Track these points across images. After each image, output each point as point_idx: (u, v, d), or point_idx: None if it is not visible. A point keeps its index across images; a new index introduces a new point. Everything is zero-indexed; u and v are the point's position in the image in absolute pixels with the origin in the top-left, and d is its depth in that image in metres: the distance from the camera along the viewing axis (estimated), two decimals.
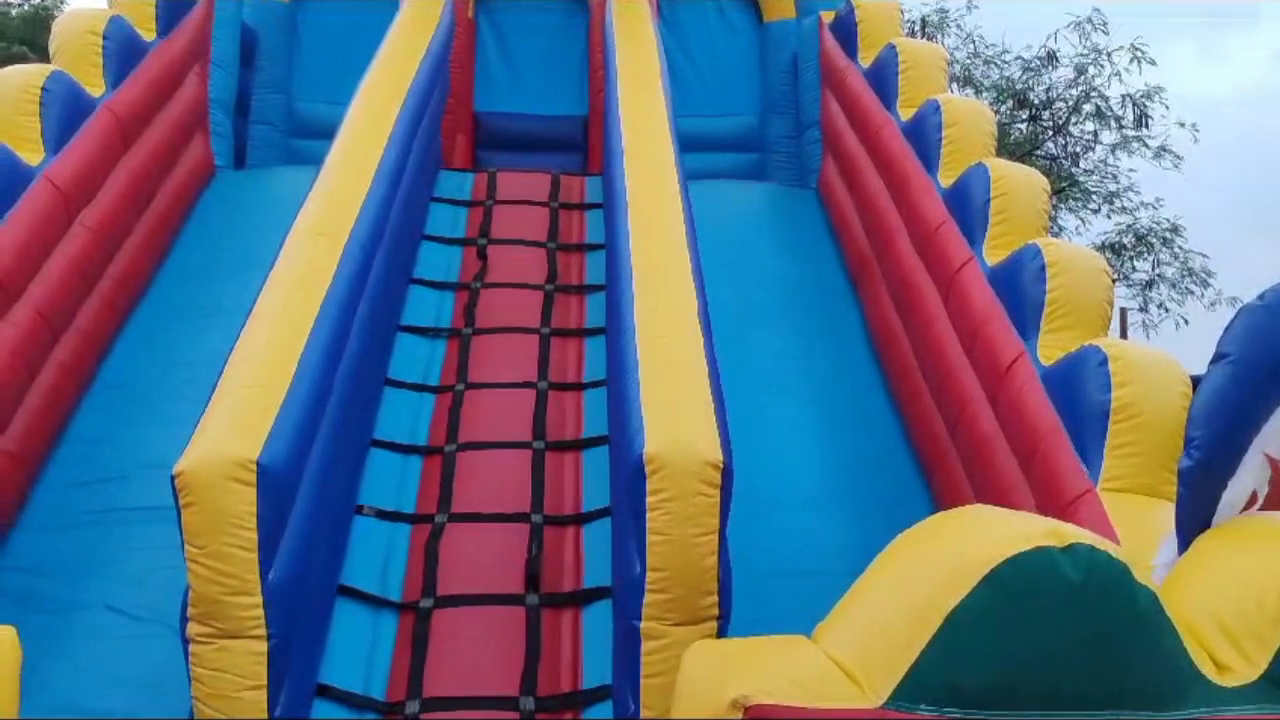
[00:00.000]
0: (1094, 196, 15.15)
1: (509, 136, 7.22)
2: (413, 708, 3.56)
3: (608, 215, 5.24)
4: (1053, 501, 3.53)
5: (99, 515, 4.27)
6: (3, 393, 4.20)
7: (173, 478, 3.16)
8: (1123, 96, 14.80)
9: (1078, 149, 15.17)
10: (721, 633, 3.32)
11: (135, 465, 4.39)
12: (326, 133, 5.34)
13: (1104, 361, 3.69)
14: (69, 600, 3.94)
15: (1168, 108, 14.85)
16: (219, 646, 3.14)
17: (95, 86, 5.38)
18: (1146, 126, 14.84)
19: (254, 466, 3.17)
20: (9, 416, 4.27)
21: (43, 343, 4.53)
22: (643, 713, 3.28)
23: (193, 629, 3.16)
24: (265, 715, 3.17)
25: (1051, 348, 4.10)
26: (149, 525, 4.06)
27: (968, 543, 2.18)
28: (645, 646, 3.29)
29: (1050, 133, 15.25)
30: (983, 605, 2.07)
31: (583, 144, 7.22)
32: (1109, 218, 15.19)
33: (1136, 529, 3.13)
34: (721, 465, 3.30)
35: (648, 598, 3.28)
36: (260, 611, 3.16)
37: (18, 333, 4.36)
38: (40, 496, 4.37)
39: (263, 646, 3.16)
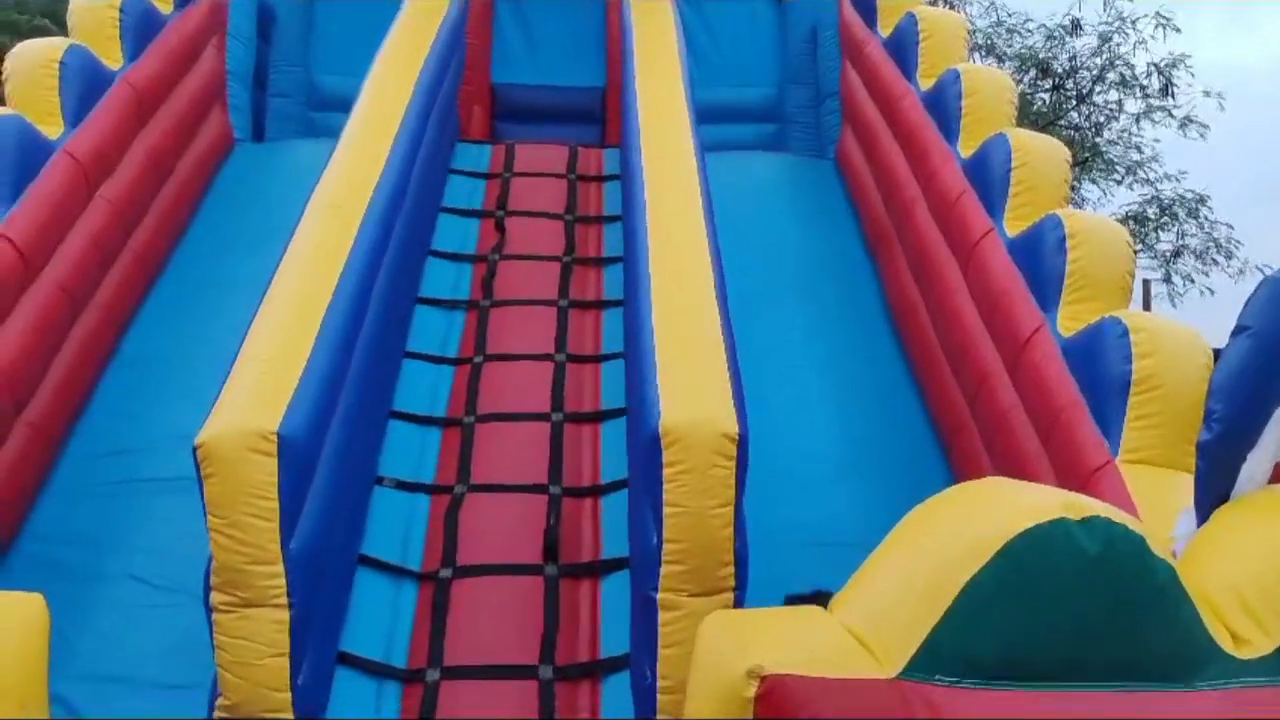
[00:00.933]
0: (1117, 167, 14.97)
1: (526, 108, 7.18)
2: (433, 676, 3.60)
3: (625, 187, 5.22)
4: (1072, 474, 3.52)
5: (121, 486, 4.32)
6: (25, 366, 4.25)
7: (194, 449, 3.19)
8: (1148, 65, 14.59)
9: (1101, 119, 14.98)
10: (738, 604, 3.34)
11: (156, 437, 4.44)
12: (344, 105, 5.33)
13: (1125, 333, 3.66)
14: (93, 570, 4.00)
15: (1194, 76, 14.64)
16: (241, 615, 3.18)
17: (113, 60, 5.39)
18: (1171, 96, 14.63)
19: (274, 437, 3.20)
20: (32, 390, 4.32)
21: (64, 317, 4.57)
22: (660, 683, 3.30)
23: (215, 598, 3.20)
24: (287, 683, 3.21)
25: (1072, 319, 4.07)
26: (170, 496, 4.11)
27: (984, 515, 2.18)
28: (662, 617, 3.31)
29: (1073, 102, 15.06)
30: (999, 577, 2.07)
31: (601, 116, 7.18)
32: (1131, 189, 15.02)
33: (1157, 501, 3.12)
34: (738, 437, 3.30)
35: (664, 569, 3.30)
36: (282, 581, 3.20)
37: (39, 307, 4.40)
38: (64, 468, 4.42)
39: (284, 615, 3.20)
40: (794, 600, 3.22)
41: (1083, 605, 2.07)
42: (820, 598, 3.07)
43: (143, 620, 3.84)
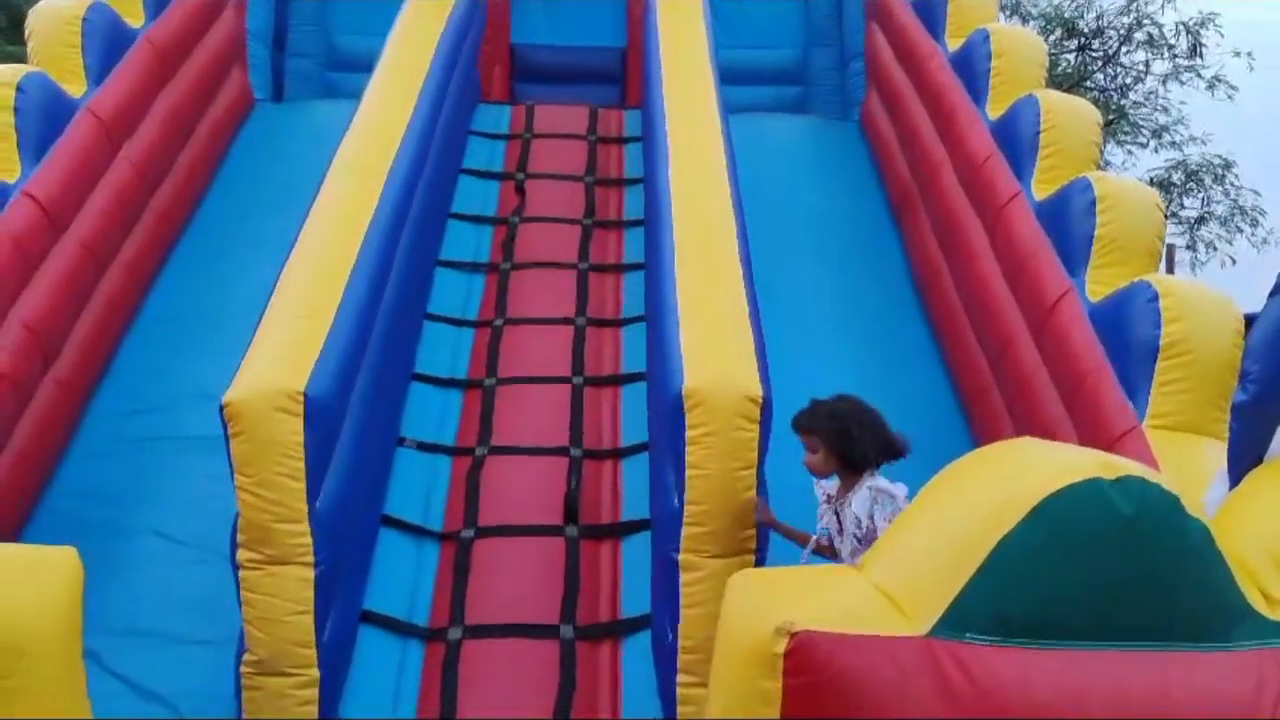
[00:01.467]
0: (1143, 130, 14.75)
1: (546, 69, 7.14)
2: (455, 634, 3.64)
3: (646, 149, 5.19)
4: (1097, 438, 3.50)
5: (148, 444, 4.36)
6: (53, 324, 4.28)
7: (221, 408, 3.22)
8: (1176, 24, 14.31)
9: (1127, 80, 14.73)
10: (759, 565, 3.35)
11: (182, 395, 4.47)
12: (364, 66, 5.32)
13: (1154, 298, 3.63)
14: (120, 526, 4.05)
15: (1223, 36, 14.35)
16: (268, 572, 3.22)
17: (134, 17, 5.38)
18: (1200, 56, 14.37)
19: (301, 397, 3.22)
20: (59, 347, 4.35)
21: (89, 275, 4.60)
22: (681, 643, 3.32)
23: (242, 555, 3.24)
24: (313, 639, 3.25)
25: (1100, 284, 4.04)
26: (196, 454, 4.14)
27: (1017, 474, 2.17)
28: (684, 578, 3.33)
29: (1100, 63, 14.82)
30: (1031, 536, 2.07)
31: (621, 76, 7.13)
32: (1156, 152, 14.79)
33: (1182, 466, 3.10)
34: (761, 400, 3.30)
35: (686, 530, 3.32)
36: (308, 539, 3.23)
37: (66, 265, 4.42)
38: (91, 425, 4.46)
39: (310, 573, 3.24)
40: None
41: (1116, 565, 2.07)
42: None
43: (169, 576, 3.88)
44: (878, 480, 3.24)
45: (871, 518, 3.19)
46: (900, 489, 3.22)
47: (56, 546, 2.64)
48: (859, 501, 3.24)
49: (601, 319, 4.93)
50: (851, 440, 3.24)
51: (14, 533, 3.98)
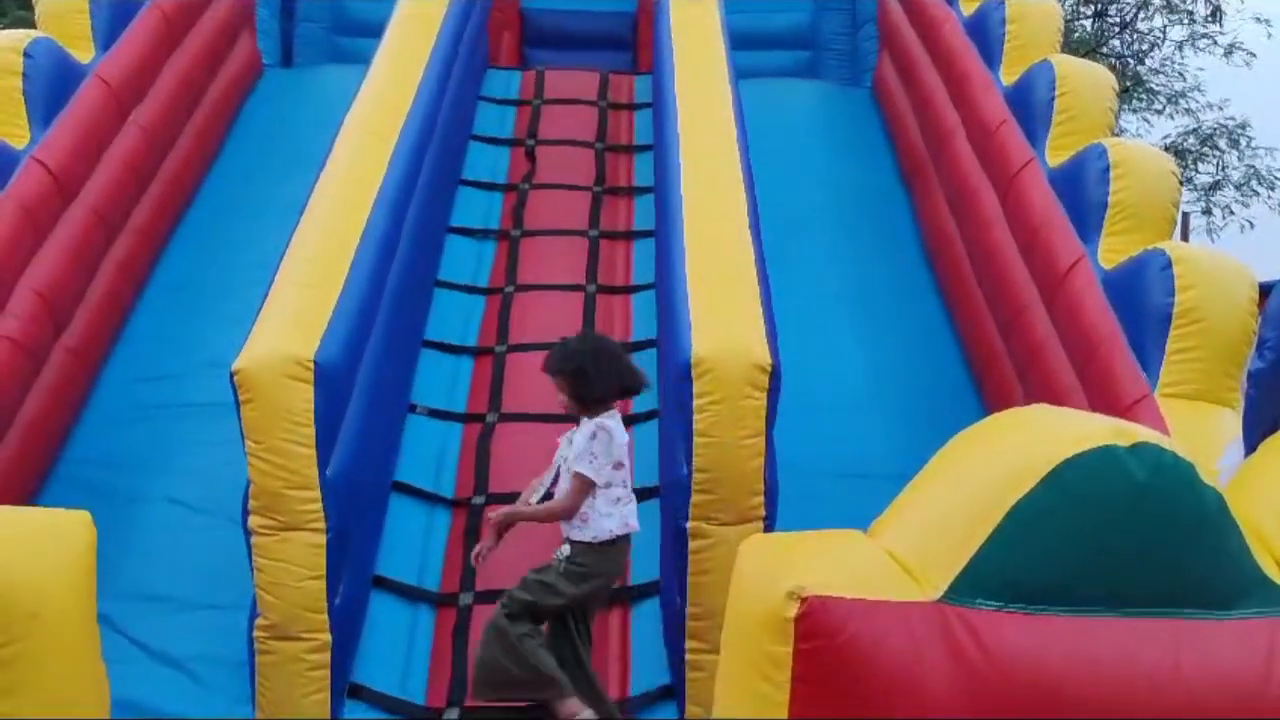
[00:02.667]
0: (1159, 97, 14.59)
1: (556, 33, 7.08)
2: (466, 599, 3.66)
3: (657, 115, 5.15)
4: (1108, 406, 3.49)
5: (160, 411, 4.38)
6: (64, 291, 4.28)
7: (231, 375, 3.22)
8: None
9: (1144, 47, 14.56)
10: (768, 532, 3.36)
11: (193, 363, 4.48)
12: (373, 30, 5.28)
13: (1168, 265, 3.60)
14: (134, 492, 4.08)
15: (1243, 1, 14.16)
16: (280, 538, 3.24)
17: None
18: (1219, 22, 14.18)
19: (311, 364, 3.23)
20: (70, 314, 4.36)
21: (100, 241, 4.60)
22: (690, 609, 3.34)
23: (254, 521, 3.26)
24: (324, 604, 3.28)
25: (1113, 251, 4.01)
26: (207, 421, 4.16)
27: (1030, 440, 2.17)
28: (692, 545, 3.34)
29: (1116, 29, 14.64)
30: (1044, 502, 2.06)
31: (632, 41, 7.07)
32: (1172, 119, 14.64)
33: (1194, 434, 3.09)
34: (770, 368, 3.30)
35: (694, 498, 3.33)
36: (319, 505, 3.25)
37: (75, 231, 4.43)
38: (103, 393, 4.48)
39: (321, 539, 3.26)
40: None
41: (1130, 532, 2.07)
42: None
43: (182, 542, 3.91)
44: (603, 419, 3.26)
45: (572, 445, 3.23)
46: (622, 434, 3.29)
47: (69, 510, 2.66)
48: (581, 436, 3.27)
49: (611, 286, 4.92)
50: (588, 380, 3.26)
51: (28, 499, 4.01)
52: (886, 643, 2.01)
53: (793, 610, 2.01)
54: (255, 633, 3.29)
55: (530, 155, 5.66)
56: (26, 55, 4.46)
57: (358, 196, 3.93)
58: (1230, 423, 2.88)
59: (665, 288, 3.99)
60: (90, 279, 4.52)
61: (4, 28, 9.04)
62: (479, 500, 3.98)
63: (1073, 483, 2.06)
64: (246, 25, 6.26)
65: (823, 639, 2.02)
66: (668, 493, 3.59)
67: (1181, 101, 14.61)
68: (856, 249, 5.35)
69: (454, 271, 4.94)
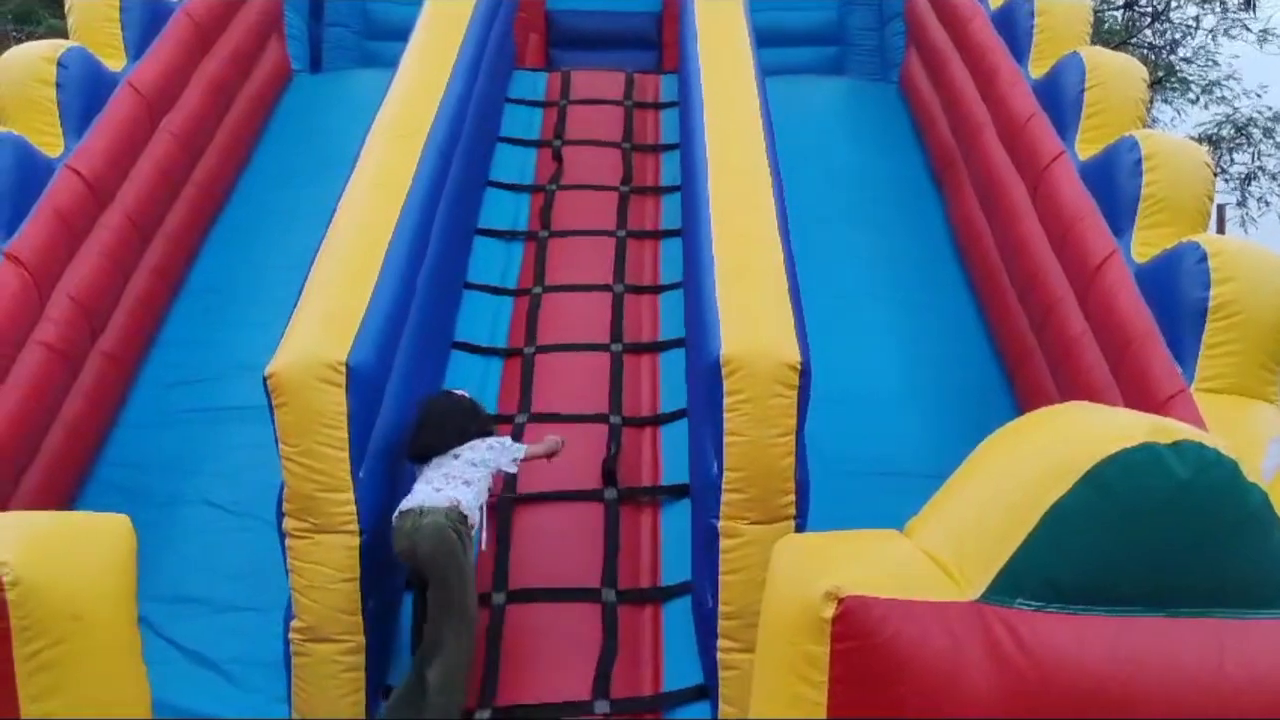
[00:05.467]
0: (1192, 86, 14.39)
1: (582, 34, 7.08)
2: (499, 599, 3.68)
3: (683, 114, 5.15)
4: (1143, 402, 3.45)
5: (195, 414, 4.43)
6: (99, 296, 4.34)
7: (265, 379, 3.25)
8: None
9: (1176, 36, 14.36)
10: (799, 531, 3.35)
11: (227, 366, 4.52)
12: (400, 34, 5.30)
13: (1203, 258, 3.56)
14: (170, 494, 4.12)
15: None
16: (314, 541, 3.27)
17: None
18: (1253, 8, 13.96)
19: (343, 368, 3.25)
20: (106, 319, 4.41)
21: (134, 247, 4.65)
22: (721, 608, 3.34)
23: (289, 524, 3.29)
24: (359, 606, 3.30)
25: (1147, 245, 3.96)
26: (242, 424, 4.20)
27: (1069, 439, 2.15)
28: (723, 544, 3.33)
29: (1148, 20, 14.46)
30: (1084, 501, 2.05)
31: (657, 40, 7.06)
32: (1206, 108, 14.43)
33: (1231, 430, 3.04)
34: (799, 366, 3.29)
35: (725, 497, 3.32)
36: (352, 507, 3.27)
37: (111, 237, 4.48)
38: (139, 396, 4.54)
39: (354, 541, 3.28)
40: None
41: (1171, 530, 2.05)
42: None
43: (217, 544, 3.95)
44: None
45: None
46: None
47: (109, 514, 2.69)
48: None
49: (639, 286, 4.92)
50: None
51: (67, 502, 4.07)
52: (924, 643, 2.00)
53: (829, 610, 2.01)
54: (291, 635, 3.32)
55: (557, 156, 5.67)
56: (60, 65, 4.52)
57: (387, 200, 3.95)
58: (1270, 417, 2.84)
59: (693, 287, 3.98)
60: (125, 284, 4.57)
61: (38, 37, 9.16)
62: (509, 498, 3.99)
63: (1112, 481, 2.05)
64: (275, 31, 6.31)
65: (860, 639, 2.01)
66: (698, 492, 3.59)
67: (1216, 90, 14.39)
68: (886, 245, 5.32)
69: (482, 273, 4.96)
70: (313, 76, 6.62)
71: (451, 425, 3.59)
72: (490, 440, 3.65)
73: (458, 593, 3.32)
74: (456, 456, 3.53)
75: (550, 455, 3.80)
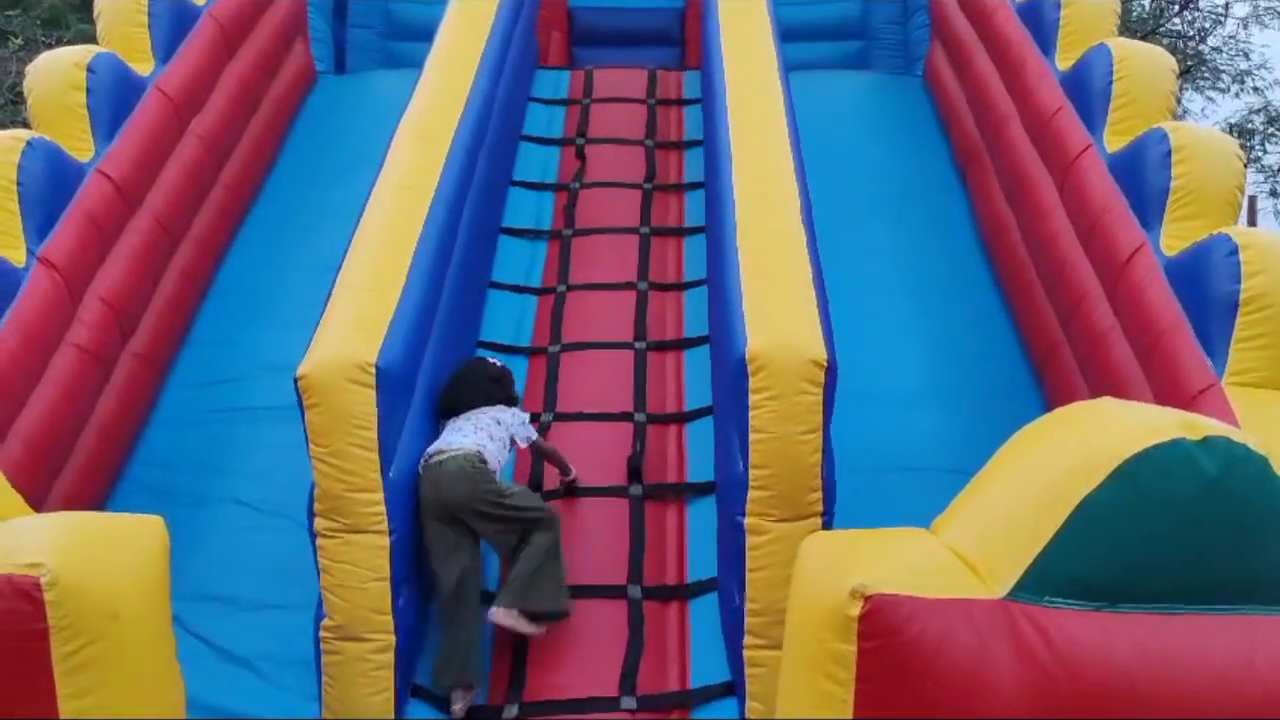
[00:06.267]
0: (1223, 75, 14.19)
1: (604, 31, 7.09)
2: None
3: (706, 110, 5.14)
4: (1173, 396, 3.42)
5: (224, 414, 4.47)
6: (130, 298, 4.39)
7: (295, 380, 3.28)
8: None
9: (1205, 24, 14.17)
10: (825, 528, 3.34)
11: (256, 366, 4.57)
12: (424, 34, 5.33)
13: (1234, 251, 3.52)
14: (199, 494, 4.16)
15: None
16: (344, 540, 3.29)
17: None
18: None
19: (373, 369, 3.27)
20: (137, 320, 4.47)
21: (163, 249, 4.70)
22: (748, 605, 3.34)
23: (319, 524, 3.31)
24: (389, 605, 3.32)
25: (1176, 238, 3.92)
26: (271, 424, 4.24)
27: (1097, 435, 2.13)
28: (749, 541, 3.33)
29: (1175, 8, 14.29)
30: (1112, 498, 2.03)
31: (680, 37, 7.06)
32: (1238, 97, 14.24)
33: (1264, 424, 3.02)
34: (825, 363, 3.28)
35: (751, 494, 3.32)
36: (382, 508, 3.29)
37: (140, 239, 4.53)
38: (169, 396, 4.59)
39: (384, 541, 3.30)
40: None
41: (1201, 527, 2.03)
42: None
43: (248, 543, 3.99)
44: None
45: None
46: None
47: (144, 515, 2.72)
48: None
49: (663, 283, 4.93)
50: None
51: (100, 502, 4.12)
52: (952, 641, 1.99)
53: (856, 608, 2.01)
54: (321, 633, 3.35)
55: (580, 154, 5.68)
56: (89, 70, 4.58)
57: (414, 200, 3.97)
58: None
59: (718, 283, 3.98)
60: (155, 286, 4.63)
61: (66, 41, 9.26)
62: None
63: (1141, 478, 2.03)
64: (300, 33, 6.35)
65: (887, 637, 2.01)
66: (724, 489, 3.59)
67: (1248, 80, 14.19)
68: (912, 240, 5.29)
69: (507, 272, 4.98)
70: (337, 78, 6.66)
71: (481, 386, 3.79)
72: (515, 409, 3.82)
73: (507, 514, 3.50)
74: (483, 414, 3.70)
75: (560, 469, 3.95)
